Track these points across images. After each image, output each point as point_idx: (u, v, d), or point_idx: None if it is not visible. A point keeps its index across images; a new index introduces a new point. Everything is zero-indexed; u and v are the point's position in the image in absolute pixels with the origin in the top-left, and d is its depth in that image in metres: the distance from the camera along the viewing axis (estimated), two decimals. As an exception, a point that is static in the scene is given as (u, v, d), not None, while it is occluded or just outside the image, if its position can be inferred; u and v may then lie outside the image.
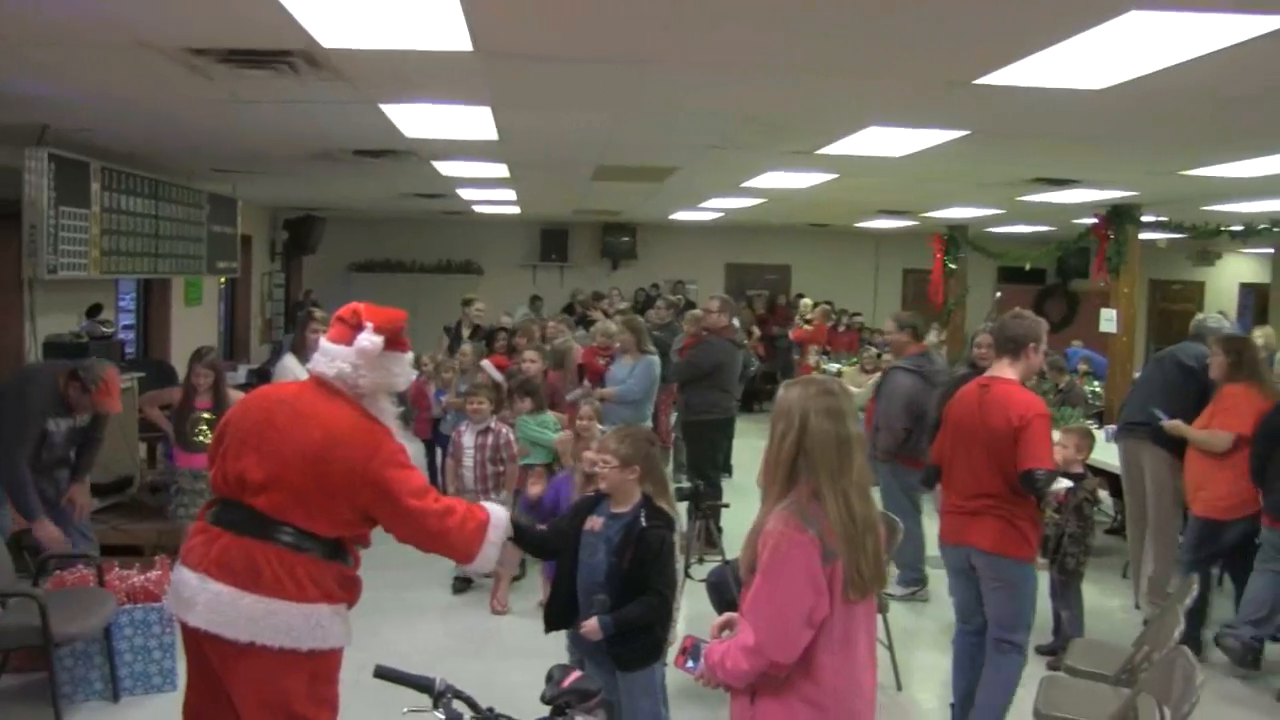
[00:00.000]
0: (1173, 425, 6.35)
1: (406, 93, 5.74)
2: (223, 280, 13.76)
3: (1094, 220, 10.97)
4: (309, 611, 3.48)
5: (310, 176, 10.45)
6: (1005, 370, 4.96)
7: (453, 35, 4.31)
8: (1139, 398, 7.02)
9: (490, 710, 2.76)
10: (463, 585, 7.31)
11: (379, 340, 3.66)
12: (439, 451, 9.78)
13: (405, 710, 2.75)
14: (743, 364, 9.32)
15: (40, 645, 4.91)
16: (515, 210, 15.44)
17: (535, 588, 7.09)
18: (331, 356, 3.66)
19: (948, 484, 5.10)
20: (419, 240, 18.32)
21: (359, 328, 3.66)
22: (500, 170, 9.49)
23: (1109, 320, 10.79)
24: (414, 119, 6.53)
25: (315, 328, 6.60)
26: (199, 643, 3.50)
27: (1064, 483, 5.27)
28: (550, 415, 6.96)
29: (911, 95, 5.45)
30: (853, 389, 11.47)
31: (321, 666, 3.58)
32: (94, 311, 8.69)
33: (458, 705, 2.74)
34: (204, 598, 3.40)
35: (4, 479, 5.72)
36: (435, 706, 2.73)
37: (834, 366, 14.05)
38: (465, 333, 10.72)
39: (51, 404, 5.88)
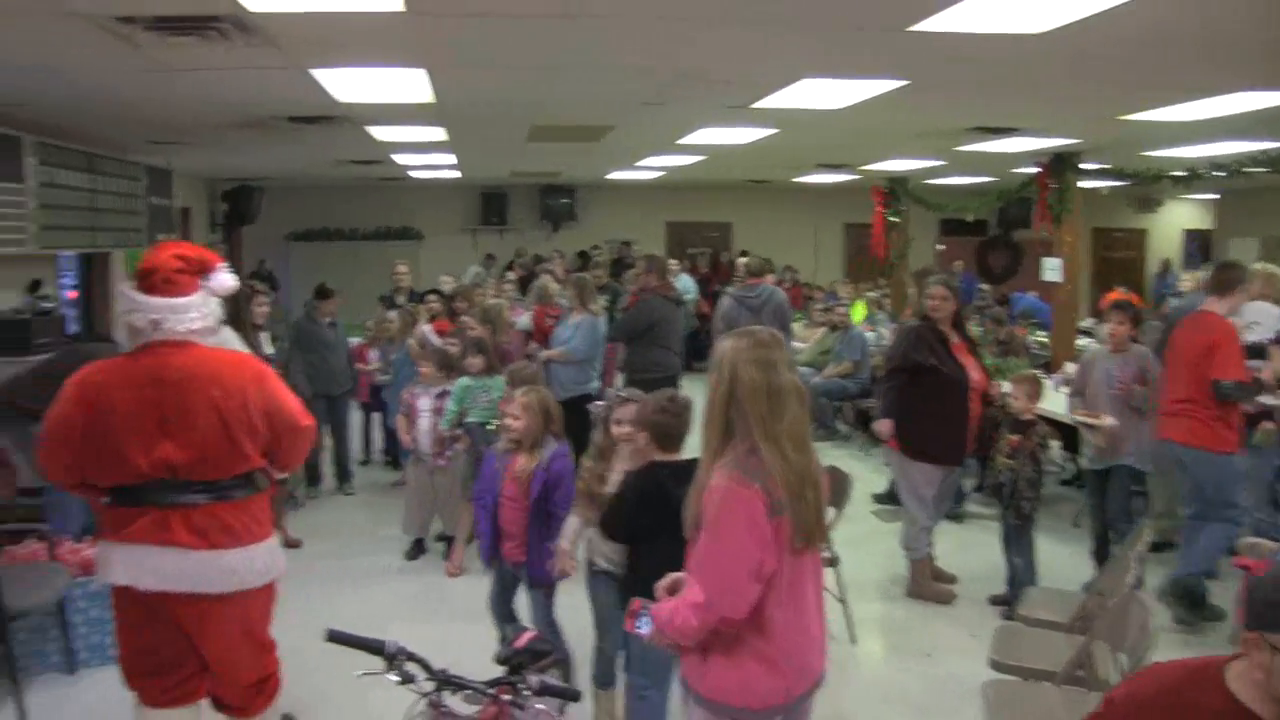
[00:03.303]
0: None
1: (338, 57, 5.63)
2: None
3: (1036, 169, 10.99)
4: (269, 546, 3.83)
5: (245, 146, 10.26)
6: (1214, 305, 6.14)
7: (383, -6, 4.24)
8: None
9: (443, 671, 2.73)
10: (415, 551, 7.26)
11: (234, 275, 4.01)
12: (372, 417, 9.80)
13: (358, 673, 2.72)
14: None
15: (-7, 619, 4.83)
16: (454, 174, 15.30)
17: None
18: (198, 308, 3.76)
19: (1161, 393, 6.21)
20: (357, 207, 18.05)
21: (208, 271, 3.86)
22: (437, 134, 9.37)
23: (1053, 269, 10.82)
24: (347, 83, 6.41)
25: (262, 301, 7.02)
26: (162, 607, 3.65)
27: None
28: (499, 378, 6.87)
29: (845, 44, 5.42)
30: (797, 344, 11.61)
31: (274, 590, 3.95)
32: (34, 287, 8.50)
33: (410, 667, 2.71)
34: (181, 566, 3.58)
35: None
36: (388, 669, 2.70)
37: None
38: (400, 300, 10.65)
39: None
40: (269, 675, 4.02)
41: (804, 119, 8.09)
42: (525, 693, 2.70)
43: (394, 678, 2.69)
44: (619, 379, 9.70)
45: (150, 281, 3.72)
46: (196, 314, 3.75)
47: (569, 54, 5.61)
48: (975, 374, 6.34)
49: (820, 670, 3.06)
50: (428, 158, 12.27)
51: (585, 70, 6.14)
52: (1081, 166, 10.62)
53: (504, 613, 5.08)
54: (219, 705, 3.98)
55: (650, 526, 4.03)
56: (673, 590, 3.06)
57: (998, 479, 6.20)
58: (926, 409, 6.25)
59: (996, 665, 4.43)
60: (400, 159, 12.27)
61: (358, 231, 18.15)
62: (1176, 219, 20.91)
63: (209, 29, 4.80)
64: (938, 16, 4.72)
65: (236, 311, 7.00)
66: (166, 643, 3.76)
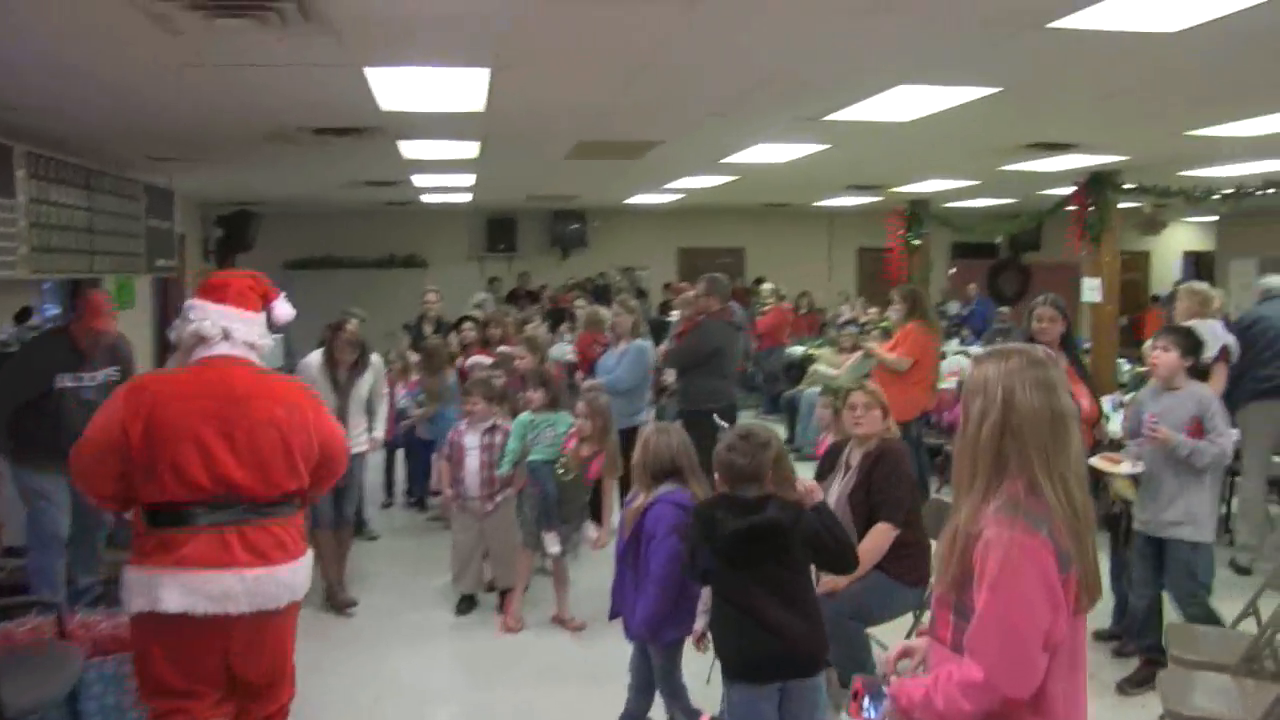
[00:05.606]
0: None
1: (400, 53, 5.10)
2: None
3: (1071, 189, 10.83)
4: (307, 560, 3.80)
5: (256, 163, 9.68)
6: None
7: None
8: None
9: None
10: (467, 606, 6.64)
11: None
12: (395, 456, 9.35)
13: None
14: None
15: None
16: (464, 199, 14.80)
17: (542, 599, 6.57)
18: (262, 326, 3.90)
19: None
20: (359, 235, 17.49)
21: (270, 299, 4.00)
22: (469, 150, 8.83)
23: (1092, 289, 10.73)
24: (396, 87, 5.88)
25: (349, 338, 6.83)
26: (210, 631, 3.53)
27: None
28: (563, 413, 6.33)
29: (970, 42, 4.96)
30: (831, 370, 11.15)
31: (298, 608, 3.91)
32: (23, 316, 7.87)
33: None
34: (243, 586, 3.52)
35: None
36: None
37: (798, 349, 13.65)
38: (427, 329, 10.12)
39: (60, 358, 5.91)
40: (286, 705, 3.96)
41: (867, 132, 7.62)
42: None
43: None
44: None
45: (223, 294, 3.83)
46: (260, 333, 3.87)
47: (669, 51, 5.07)
48: (1085, 403, 5.81)
49: None
50: (446, 179, 11.74)
51: (673, 73, 5.60)
52: (1122, 186, 10.45)
53: (640, 677, 4.45)
54: None
55: (705, 567, 3.78)
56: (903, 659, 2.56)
57: (1110, 509, 5.76)
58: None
59: (1176, 716, 3.99)
60: (418, 180, 11.74)
61: (359, 260, 17.59)
62: (1175, 242, 20.81)
63: (267, 9, 4.19)
64: (1085, 11, 4.34)
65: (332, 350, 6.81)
66: (198, 670, 3.63)
